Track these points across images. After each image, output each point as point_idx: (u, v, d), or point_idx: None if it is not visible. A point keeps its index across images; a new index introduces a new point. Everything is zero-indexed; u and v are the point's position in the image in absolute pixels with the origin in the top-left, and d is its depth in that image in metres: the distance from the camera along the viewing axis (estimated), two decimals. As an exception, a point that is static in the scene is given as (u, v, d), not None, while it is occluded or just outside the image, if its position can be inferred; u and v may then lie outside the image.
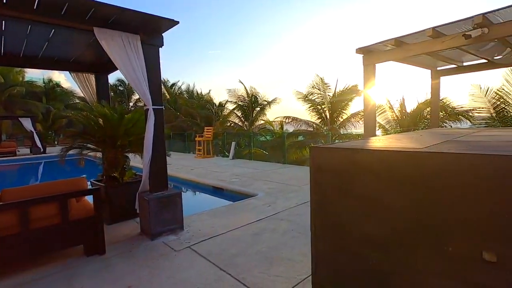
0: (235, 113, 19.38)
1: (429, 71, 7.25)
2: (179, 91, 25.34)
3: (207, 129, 13.70)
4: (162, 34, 3.76)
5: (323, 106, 15.20)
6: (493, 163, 0.91)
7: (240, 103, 18.73)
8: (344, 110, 15.19)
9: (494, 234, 0.90)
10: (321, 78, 15.07)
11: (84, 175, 3.97)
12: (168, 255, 3.26)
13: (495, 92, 8.79)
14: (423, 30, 4.71)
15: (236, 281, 2.67)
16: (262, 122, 18.27)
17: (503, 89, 8.60)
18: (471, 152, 0.99)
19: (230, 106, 20.08)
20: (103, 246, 3.28)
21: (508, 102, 8.54)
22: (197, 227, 4.13)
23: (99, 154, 5.15)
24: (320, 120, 15.42)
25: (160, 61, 3.81)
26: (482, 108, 9.19)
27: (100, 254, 3.24)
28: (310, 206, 1.43)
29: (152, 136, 3.68)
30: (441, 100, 9.29)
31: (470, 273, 0.96)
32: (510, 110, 8.58)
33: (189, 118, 20.14)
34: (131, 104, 26.87)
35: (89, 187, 3.90)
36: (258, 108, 18.58)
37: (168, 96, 23.21)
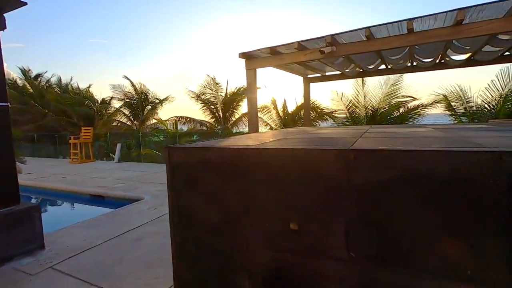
0: (123, 111, 17.52)
1: (302, 78, 8.52)
2: (47, 84, 20.95)
3: (86, 129, 11.98)
4: (4, 15, 3.08)
5: (216, 106, 15.54)
6: (292, 155, 1.18)
7: (127, 100, 17.06)
8: (236, 110, 15.94)
9: (295, 209, 1.18)
10: (212, 78, 15.34)
11: None
12: (20, 282, 2.71)
13: (352, 96, 11.13)
14: (292, 43, 5.49)
15: (108, 294, 2.48)
16: (155, 121, 17.20)
17: (353, 95, 10.99)
18: (273, 147, 1.27)
19: (117, 104, 18.04)
20: None
21: (356, 105, 10.95)
22: (65, 242, 3.59)
23: None
24: (214, 119, 15.72)
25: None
26: (341, 110, 11.45)
27: None
28: (168, 203, 1.49)
29: (-8, 140, 2.97)
30: (312, 102, 11.06)
31: (283, 242, 1.22)
32: (359, 112, 11.01)
33: (62, 117, 17.00)
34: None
35: None
36: (150, 107, 17.39)
37: (30, 90, 18.90)
